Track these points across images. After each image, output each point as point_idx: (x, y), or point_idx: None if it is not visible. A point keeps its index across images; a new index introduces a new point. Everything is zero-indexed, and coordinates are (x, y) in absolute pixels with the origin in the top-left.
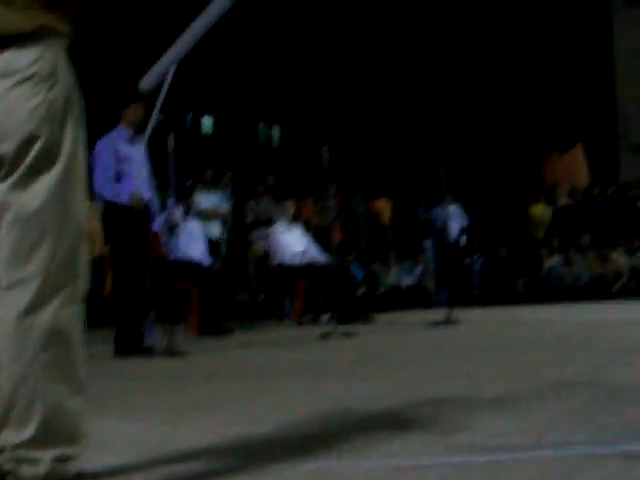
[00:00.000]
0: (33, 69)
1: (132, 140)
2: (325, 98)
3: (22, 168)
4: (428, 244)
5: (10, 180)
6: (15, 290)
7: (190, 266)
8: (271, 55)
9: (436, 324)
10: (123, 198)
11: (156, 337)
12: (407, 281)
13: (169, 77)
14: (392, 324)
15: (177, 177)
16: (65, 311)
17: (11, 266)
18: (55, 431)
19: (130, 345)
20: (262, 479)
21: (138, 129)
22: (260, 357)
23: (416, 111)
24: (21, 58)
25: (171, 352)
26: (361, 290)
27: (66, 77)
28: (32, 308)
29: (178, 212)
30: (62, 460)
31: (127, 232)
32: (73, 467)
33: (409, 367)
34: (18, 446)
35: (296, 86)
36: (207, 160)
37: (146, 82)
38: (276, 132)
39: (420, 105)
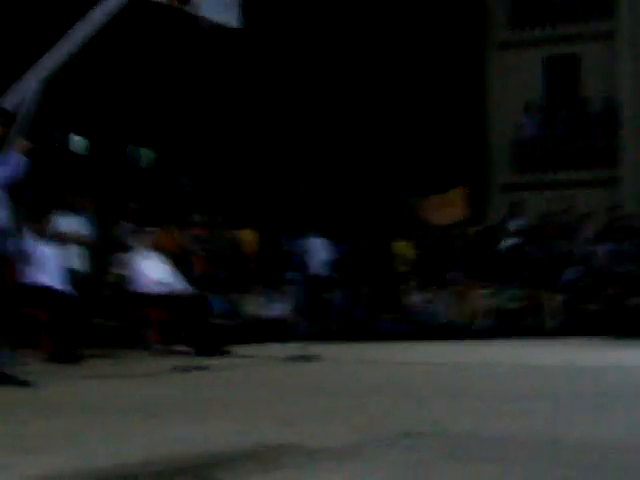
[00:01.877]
0: None
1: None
2: (195, 126)
3: None
4: (290, 276)
5: None
6: None
7: (40, 291)
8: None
9: (292, 359)
10: None
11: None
12: (269, 313)
13: (34, 94)
14: (249, 358)
15: (33, 197)
16: None
17: None
18: None
19: None
20: None
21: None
22: (105, 391)
23: (282, 146)
24: None
25: (16, 381)
26: (219, 321)
27: None
28: None
29: (29, 235)
30: None
31: None
32: None
33: (252, 407)
34: None
35: (167, 110)
36: (74, 182)
37: (9, 101)
38: (145, 154)
39: (286, 140)
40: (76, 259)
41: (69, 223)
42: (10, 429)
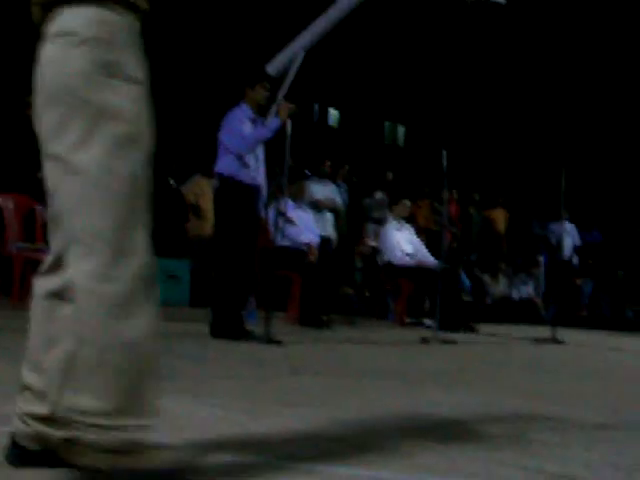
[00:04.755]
0: (90, 32)
1: (254, 121)
2: (451, 101)
3: (76, 132)
4: (541, 259)
5: (67, 141)
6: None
7: (296, 254)
8: (400, 54)
9: (539, 341)
10: (243, 178)
11: (255, 322)
12: (517, 294)
13: (297, 64)
14: (494, 337)
15: (293, 163)
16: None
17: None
18: (131, 400)
19: (227, 328)
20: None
21: (260, 111)
22: (354, 355)
23: (542, 123)
24: (79, 19)
25: (268, 339)
26: (467, 298)
27: (127, 43)
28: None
29: (288, 200)
30: (132, 431)
31: (241, 213)
32: (144, 438)
33: (502, 382)
34: (91, 413)
35: (423, 87)
36: (330, 152)
37: (273, 66)
38: (401, 131)
39: (547, 117)
40: (330, 227)
41: (324, 191)
42: (269, 384)
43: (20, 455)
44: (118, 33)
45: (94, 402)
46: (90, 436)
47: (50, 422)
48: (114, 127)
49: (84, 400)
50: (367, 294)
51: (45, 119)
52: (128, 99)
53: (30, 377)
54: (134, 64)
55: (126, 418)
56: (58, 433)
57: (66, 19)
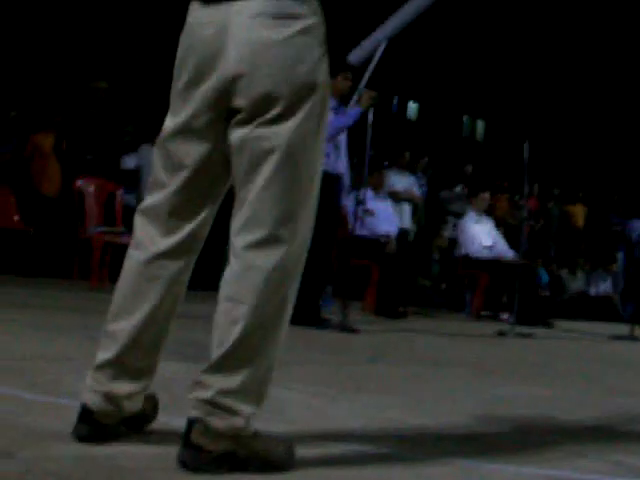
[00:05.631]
0: (314, 19)
1: (337, 110)
2: (533, 96)
3: (299, 117)
4: (620, 256)
5: (284, 125)
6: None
7: (374, 244)
8: (479, 48)
9: (618, 338)
10: (324, 166)
11: (332, 311)
12: (595, 291)
13: (378, 53)
14: (572, 332)
15: (373, 154)
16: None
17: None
18: (257, 388)
19: (304, 315)
20: (407, 470)
21: (342, 101)
22: (431, 345)
23: (625, 116)
24: (300, 5)
25: (344, 327)
26: (545, 293)
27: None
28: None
29: (367, 188)
30: (251, 418)
31: (322, 202)
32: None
33: (580, 376)
34: (223, 393)
35: (503, 81)
36: (409, 145)
37: (355, 55)
38: (480, 126)
39: (628, 109)
40: (407, 218)
41: (403, 182)
42: (346, 371)
43: (96, 431)
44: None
45: (228, 380)
46: (216, 420)
47: (136, 398)
48: (325, 117)
49: (220, 378)
50: (444, 286)
51: (268, 97)
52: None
53: (126, 355)
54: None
55: (249, 404)
56: (139, 406)
57: (287, 2)
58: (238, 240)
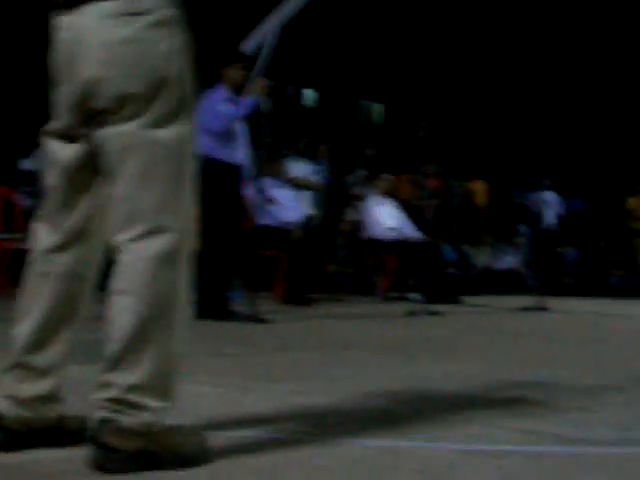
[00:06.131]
0: (163, 12)
1: (232, 100)
2: (427, 77)
3: (154, 111)
4: (523, 229)
5: (140, 120)
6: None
7: (280, 233)
8: (371, 33)
9: (526, 310)
10: (223, 156)
11: (241, 303)
12: (500, 265)
13: (271, 41)
14: (481, 307)
15: (271, 142)
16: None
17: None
18: (161, 381)
19: (213, 309)
20: (324, 451)
21: (238, 91)
22: (341, 329)
23: (520, 90)
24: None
25: (253, 318)
26: (451, 270)
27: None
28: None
29: (267, 176)
30: (160, 412)
31: (223, 193)
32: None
33: (492, 350)
34: (129, 390)
35: (398, 62)
36: (308, 132)
37: (248, 44)
38: (378, 109)
39: (526, 84)
40: (311, 205)
41: (304, 169)
42: (256, 360)
43: (7, 438)
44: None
45: (130, 377)
46: (124, 417)
47: (46, 400)
48: (187, 109)
49: (120, 375)
50: (351, 271)
51: (122, 96)
52: (186, 70)
53: (28, 356)
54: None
55: (154, 398)
56: (53, 412)
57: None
58: (120, 236)
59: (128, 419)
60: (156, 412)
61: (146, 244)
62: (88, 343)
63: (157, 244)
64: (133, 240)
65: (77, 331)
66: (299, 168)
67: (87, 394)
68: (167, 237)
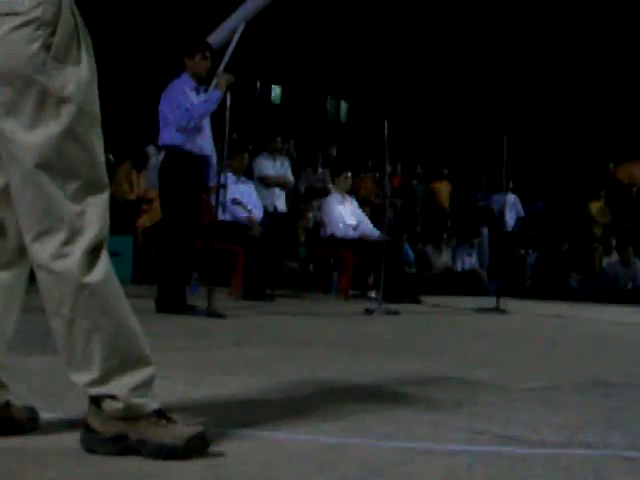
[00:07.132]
0: (35, 13)
1: (197, 90)
2: (392, 75)
3: (25, 112)
4: (484, 231)
5: (14, 121)
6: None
7: (238, 228)
8: (337, 29)
9: (483, 310)
10: (191, 148)
11: (198, 297)
12: (461, 266)
13: (237, 36)
14: (439, 307)
15: (235, 137)
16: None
17: (34, 218)
18: (122, 357)
19: (171, 303)
20: (269, 447)
21: (201, 81)
22: (298, 326)
23: (483, 92)
24: (21, 2)
25: (211, 313)
26: (411, 270)
27: (69, 22)
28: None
29: (229, 171)
30: (139, 388)
31: (189, 185)
32: (152, 399)
33: (446, 349)
34: (89, 386)
35: (364, 60)
36: (272, 128)
37: (213, 38)
38: (344, 107)
39: (488, 86)
40: (283, 202)
41: (276, 167)
42: (211, 355)
43: None
44: (60, 13)
45: (86, 375)
46: (104, 404)
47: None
48: (63, 109)
49: (79, 375)
50: (311, 268)
51: None
52: (74, 81)
53: None
54: (77, 44)
55: (123, 377)
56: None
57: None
58: (41, 248)
59: (104, 405)
60: (124, 397)
61: (66, 249)
62: (30, 332)
63: (76, 245)
64: (55, 252)
65: (18, 322)
66: (271, 166)
67: (33, 384)
68: (83, 237)
